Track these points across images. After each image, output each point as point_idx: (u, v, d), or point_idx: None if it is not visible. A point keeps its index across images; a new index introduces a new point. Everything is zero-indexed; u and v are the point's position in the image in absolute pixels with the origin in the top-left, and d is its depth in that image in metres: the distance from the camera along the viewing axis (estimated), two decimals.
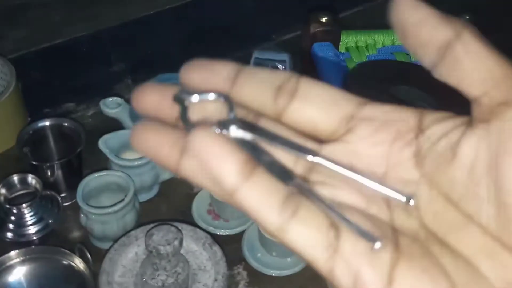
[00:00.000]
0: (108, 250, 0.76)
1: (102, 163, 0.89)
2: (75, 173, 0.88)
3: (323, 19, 0.92)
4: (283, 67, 0.96)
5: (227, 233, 0.87)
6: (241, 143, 0.24)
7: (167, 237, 0.70)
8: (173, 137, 0.26)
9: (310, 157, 0.25)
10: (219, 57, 0.27)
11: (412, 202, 0.25)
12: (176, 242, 0.69)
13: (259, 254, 0.84)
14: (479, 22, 0.91)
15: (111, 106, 0.89)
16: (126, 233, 0.78)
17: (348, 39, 0.93)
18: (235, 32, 1.19)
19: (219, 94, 0.25)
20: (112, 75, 1.08)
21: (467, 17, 0.90)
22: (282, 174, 0.24)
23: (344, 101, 0.26)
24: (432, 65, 0.24)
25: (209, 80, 0.26)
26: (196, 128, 0.23)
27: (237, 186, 0.23)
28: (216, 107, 0.25)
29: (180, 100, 0.25)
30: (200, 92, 0.26)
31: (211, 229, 0.85)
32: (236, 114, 0.25)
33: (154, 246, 0.69)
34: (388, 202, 0.25)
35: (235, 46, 1.14)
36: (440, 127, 0.25)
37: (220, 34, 1.19)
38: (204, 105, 0.26)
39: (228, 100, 0.25)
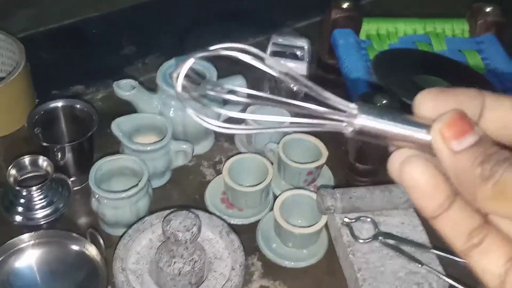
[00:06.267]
0: (121, 236, 0.74)
1: (114, 147, 0.87)
2: (86, 157, 0.85)
3: (345, 5, 0.89)
4: (302, 53, 0.93)
5: (241, 222, 0.84)
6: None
7: (186, 223, 0.67)
8: None
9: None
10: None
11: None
12: (195, 229, 0.67)
13: (274, 245, 0.82)
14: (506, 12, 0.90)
15: (125, 89, 0.86)
16: (139, 219, 0.76)
17: (369, 27, 0.91)
18: (250, 17, 1.16)
19: None
20: (123, 58, 1.06)
21: None
22: None
23: None
24: None
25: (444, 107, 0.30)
26: (409, 160, 0.29)
27: (434, 216, 0.29)
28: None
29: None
30: None
31: (225, 217, 0.82)
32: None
33: (172, 232, 0.66)
34: None
35: (251, 32, 1.12)
36: None
37: (234, 19, 1.16)
38: None
39: None
